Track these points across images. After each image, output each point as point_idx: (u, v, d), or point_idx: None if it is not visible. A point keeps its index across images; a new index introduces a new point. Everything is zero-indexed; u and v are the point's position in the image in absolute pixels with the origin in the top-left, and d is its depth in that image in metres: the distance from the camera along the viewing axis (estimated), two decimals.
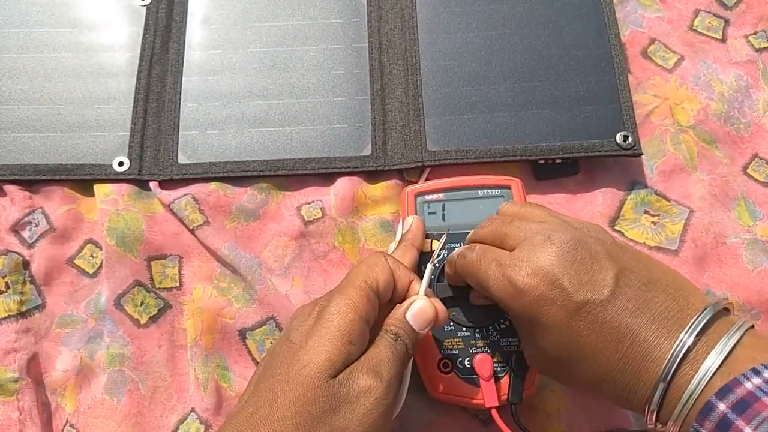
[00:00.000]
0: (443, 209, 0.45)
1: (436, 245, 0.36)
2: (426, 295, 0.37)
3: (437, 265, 0.34)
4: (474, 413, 0.43)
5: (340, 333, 0.32)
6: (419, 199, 0.45)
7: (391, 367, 0.33)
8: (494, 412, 0.39)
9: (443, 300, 0.41)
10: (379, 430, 0.32)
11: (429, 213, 0.45)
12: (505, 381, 0.40)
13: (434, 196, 0.45)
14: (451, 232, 0.40)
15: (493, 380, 0.40)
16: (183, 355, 0.45)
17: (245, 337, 0.45)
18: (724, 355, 0.28)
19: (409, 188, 0.46)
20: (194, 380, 0.44)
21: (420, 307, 0.35)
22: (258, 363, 0.44)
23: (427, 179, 0.50)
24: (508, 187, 0.45)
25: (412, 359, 0.38)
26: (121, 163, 0.50)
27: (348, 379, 0.32)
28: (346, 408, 0.31)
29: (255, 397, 0.32)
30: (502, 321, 0.42)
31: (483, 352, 0.41)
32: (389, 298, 0.37)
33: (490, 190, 0.45)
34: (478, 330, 0.42)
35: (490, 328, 0.42)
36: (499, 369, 0.40)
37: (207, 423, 0.43)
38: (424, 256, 0.43)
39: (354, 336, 0.32)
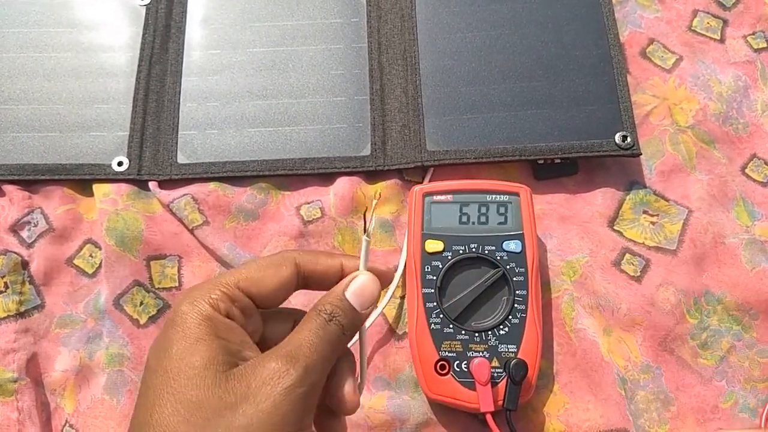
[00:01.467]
0: (450, 211, 0.45)
1: (368, 214, 0.32)
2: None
3: (369, 238, 0.32)
4: (473, 414, 0.43)
5: (200, 328, 0.28)
6: (427, 198, 0.45)
7: (313, 351, 0.28)
8: (489, 417, 0.39)
9: (448, 308, 0.41)
10: (299, 422, 0.27)
11: (436, 213, 0.45)
12: (501, 386, 0.40)
13: (442, 197, 0.45)
14: (376, 201, 0.35)
15: (489, 385, 0.40)
16: None
17: None
18: None
19: (417, 188, 0.46)
20: None
21: (362, 283, 0.32)
22: None
23: (431, 180, 0.50)
24: (517, 194, 0.45)
25: (362, 338, 0.34)
26: (120, 163, 0.50)
27: (249, 369, 0.27)
28: (247, 402, 0.26)
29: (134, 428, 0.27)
30: (501, 326, 0.42)
31: (481, 356, 0.41)
32: (318, 286, 0.33)
33: (498, 196, 0.45)
34: (477, 334, 0.42)
35: (490, 333, 0.42)
36: (495, 374, 0.41)
37: None
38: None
39: (219, 329, 0.28)
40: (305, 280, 0.32)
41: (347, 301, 0.31)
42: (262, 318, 0.32)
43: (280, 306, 0.32)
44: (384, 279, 0.33)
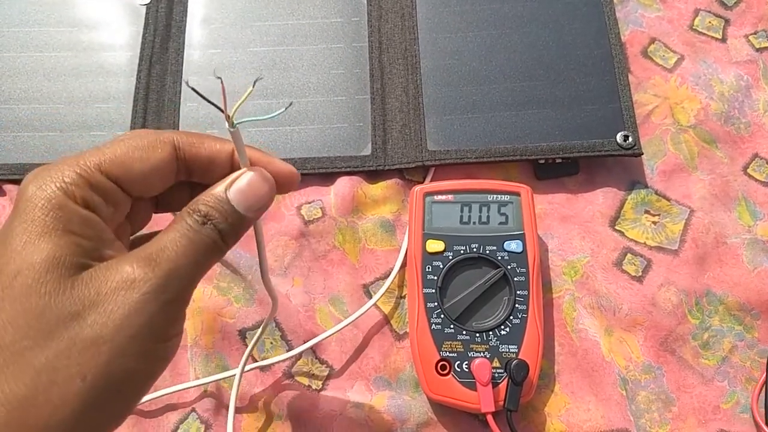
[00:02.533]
0: (451, 211, 0.45)
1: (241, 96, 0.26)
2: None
3: (236, 126, 0.26)
4: (474, 414, 0.43)
5: (46, 219, 0.23)
6: (428, 198, 0.45)
7: (178, 255, 0.24)
8: (490, 418, 0.39)
9: (449, 308, 0.41)
10: (159, 333, 0.23)
11: (437, 213, 0.45)
12: (502, 387, 0.40)
13: (443, 197, 0.45)
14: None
15: (490, 386, 0.40)
16: (183, 355, 0.45)
17: (245, 337, 0.45)
18: None
19: (418, 187, 0.46)
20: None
21: (249, 180, 0.27)
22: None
23: (431, 179, 0.49)
24: (518, 194, 0.45)
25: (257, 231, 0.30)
26: None
27: (100, 272, 0.23)
28: (95, 311, 0.22)
29: None
30: (502, 327, 0.42)
31: (482, 356, 0.41)
32: (201, 179, 0.28)
33: (499, 196, 0.45)
34: (478, 334, 0.42)
35: (490, 333, 0.42)
36: (496, 375, 0.40)
37: (207, 423, 0.43)
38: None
39: (72, 222, 0.23)
40: (188, 168, 0.28)
41: (227, 201, 0.26)
42: (142, 210, 0.28)
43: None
44: (286, 179, 0.28)
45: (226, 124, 0.26)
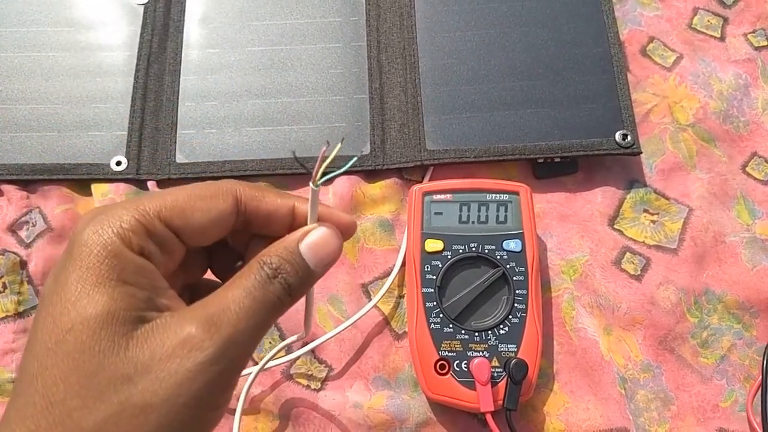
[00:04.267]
0: (450, 210, 0.45)
1: (320, 158, 0.26)
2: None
3: (319, 185, 0.26)
4: (473, 413, 0.43)
5: (102, 268, 0.22)
6: (427, 198, 0.45)
7: (242, 318, 0.23)
8: (489, 417, 0.39)
9: (448, 307, 0.41)
10: (211, 403, 0.22)
11: (435, 213, 0.45)
12: (501, 386, 0.40)
13: (442, 197, 0.45)
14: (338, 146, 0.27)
15: (489, 385, 0.40)
16: None
17: None
18: None
19: (417, 187, 0.46)
20: None
21: (322, 235, 0.26)
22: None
23: (430, 179, 0.49)
24: (517, 193, 0.45)
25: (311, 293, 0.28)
26: (118, 163, 0.50)
27: (155, 332, 0.22)
28: (147, 377, 0.21)
29: (17, 386, 0.22)
30: (501, 326, 0.42)
31: (481, 356, 0.41)
32: (262, 230, 0.27)
33: (498, 195, 0.45)
34: (477, 334, 0.42)
35: (489, 332, 0.42)
36: (495, 374, 0.40)
37: None
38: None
39: (127, 270, 0.22)
40: (247, 220, 0.26)
41: (300, 255, 0.25)
42: (207, 251, 0.27)
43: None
44: (346, 230, 0.27)
45: (311, 183, 0.26)
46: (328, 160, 0.26)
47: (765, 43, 0.54)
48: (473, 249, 0.43)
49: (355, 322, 0.44)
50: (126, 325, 0.22)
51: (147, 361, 0.21)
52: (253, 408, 0.43)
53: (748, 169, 0.50)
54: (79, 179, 0.50)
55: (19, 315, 0.46)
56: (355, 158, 0.28)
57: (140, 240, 0.23)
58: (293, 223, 0.27)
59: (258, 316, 0.23)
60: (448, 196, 0.45)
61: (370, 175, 0.50)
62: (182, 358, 0.21)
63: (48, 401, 0.21)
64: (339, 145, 0.26)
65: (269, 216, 0.26)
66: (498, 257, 0.43)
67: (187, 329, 0.22)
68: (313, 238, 0.26)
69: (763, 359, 0.43)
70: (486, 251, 0.43)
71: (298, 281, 0.25)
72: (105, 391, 0.21)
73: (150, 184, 0.50)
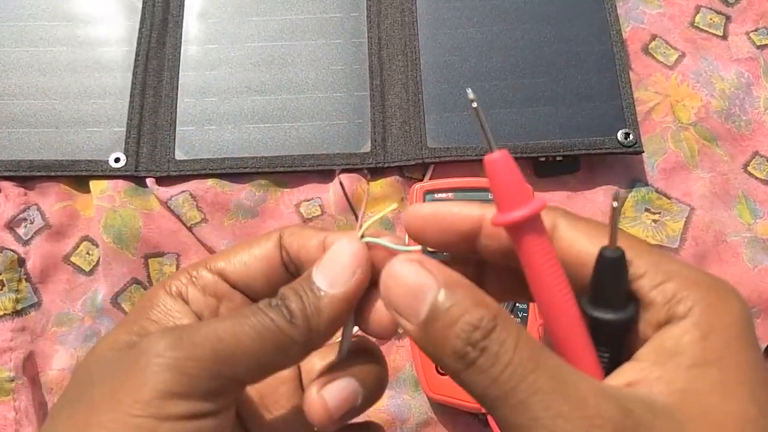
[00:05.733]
0: None
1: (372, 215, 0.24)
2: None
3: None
4: (474, 413, 0.43)
5: (132, 309, 0.23)
6: (428, 196, 0.45)
7: (222, 337, 0.20)
8: (490, 417, 0.39)
9: None
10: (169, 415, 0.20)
11: None
12: None
13: (443, 195, 0.45)
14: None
15: None
16: None
17: None
18: None
19: (418, 185, 0.46)
20: None
21: (336, 250, 0.23)
22: None
23: (431, 177, 0.49)
24: None
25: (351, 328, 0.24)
26: (117, 159, 0.50)
27: (134, 349, 0.21)
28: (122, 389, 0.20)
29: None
30: None
31: None
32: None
33: None
34: None
35: None
36: None
37: None
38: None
39: (156, 309, 0.23)
40: (293, 259, 0.25)
41: (310, 278, 0.22)
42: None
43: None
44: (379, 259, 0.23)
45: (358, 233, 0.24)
46: (377, 217, 0.24)
47: (767, 42, 0.54)
48: None
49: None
50: (122, 347, 0.22)
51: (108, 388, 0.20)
52: None
53: (749, 168, 0.50)
54: (78, 176, 0.50)
55: (17, 313, 0.45)
56: (394, 206, 0.26)
57: (179, 286, 0.24)
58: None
59: (248, 342, 0.21)
60: (450, 195, 0.45)
61: (371, 172, 0.50)
62: (148, 366, 0.20)
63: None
64: (388, 210, 0.25)
65: (299, 251, 0.24)
66: None
67: (157, 343, 0.20)
68: (324, 256, 0.23)
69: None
70: None
71: (301, 306, 0.21)
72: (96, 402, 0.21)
73: (149, 181, 0.49)
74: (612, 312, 0.20)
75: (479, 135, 0.22)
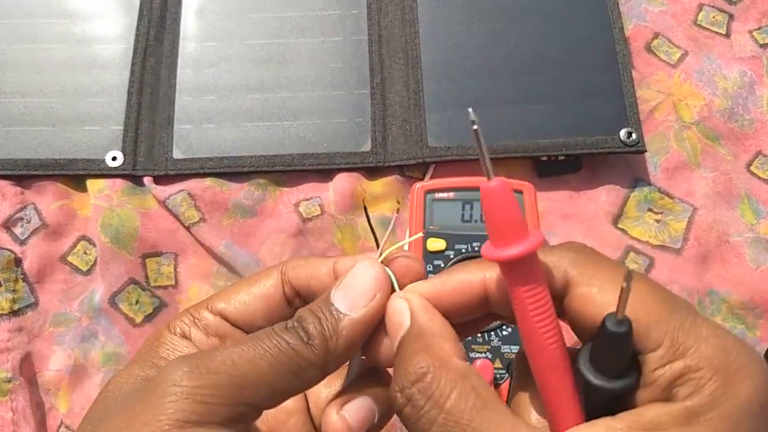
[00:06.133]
0: (452, 208, 0.44)
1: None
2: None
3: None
4: None
5: (143, 348, 0.24)
6: (428, 196, 0.45)
7: (237, 362, 0.20)
8: None
9: None
10: None
11: (437, 211, 0.44)
12: (504, 387, 0.40)
13: (444, 195, 0.45)
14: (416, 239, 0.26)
15: (492, 387, 0.39)
16: None
17: None
18: None
19: (419, 185, 0.45)
20: None
21: (356, 273, 0.22)
22: None
23: (432, 176, 0.49)
24: (520, 192, 0.44)
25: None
26: (114, 158, 0.49)
27: (150, 379, 0.21)
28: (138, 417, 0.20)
29: None
30: (504, 327, 0.41)
31: (484, 357, 0.40)
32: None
33: None
34: (479, 335, 0.41)
35: (492, 333, 0.41)
36: (498, 375, 0.40)
37: None
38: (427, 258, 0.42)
39: (163, 348, 0.24)
40: (295, 291, 0.25)
41: (329, 301, 0.22)
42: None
43: None
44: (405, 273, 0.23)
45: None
46: (394, 247, 0.24)
47: None
48: (476, 248, 0.43)
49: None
50: (137, 380, 0.23)
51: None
52: None
53: (752, 168, 0.50)
54: (75, 175, 0.49)
55: (14, 313, 0.45)
56: (419, 234, 0.26)
57: (182, 326, 0.24)
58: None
59: (264, 367, 0.20)
60: (451, 195, 0.45)
61: (371, 172, 0.49)
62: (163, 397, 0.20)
63: None
64: (414, 237, 0.25)
65: (309, 281, 0.24)
66: None
67: (173, 372, 0.20)
68: (343, 279, 0.22)
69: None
70: None
71: (320, 328, 0.21)
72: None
73: (146, 180, 0.49)
74: (607, 380, 0.19)
75: (479, 157, 0.21)
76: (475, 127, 0.20)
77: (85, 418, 0.23)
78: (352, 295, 0.22)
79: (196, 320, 0.24)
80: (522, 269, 0.19)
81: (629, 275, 0.18)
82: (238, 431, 0.20)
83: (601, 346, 0.19)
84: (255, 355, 0.21)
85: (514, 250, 0.19)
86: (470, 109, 0.21)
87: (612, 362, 0.19)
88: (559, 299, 0.21)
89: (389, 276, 0.23)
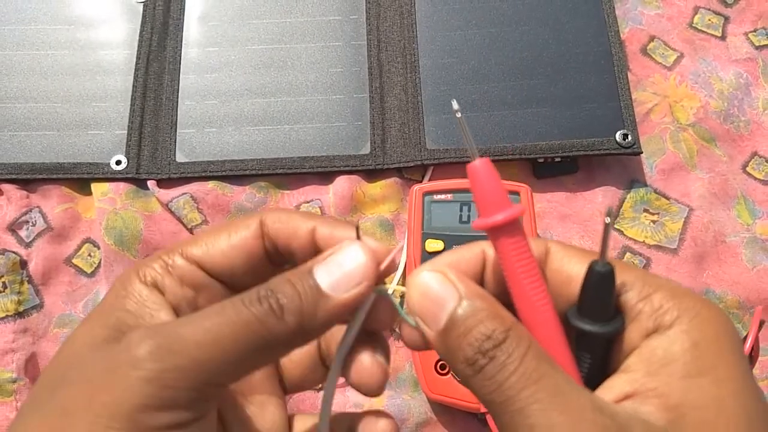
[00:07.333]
0: (451, 210, 0.45)
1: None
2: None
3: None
4: (473, 413, 0.43)
5: (107, 298, 0.22)
6: (427, 198, 0.45)
7: (202, 343, 0.19)
8: (489, 417, 0.39)
9: None
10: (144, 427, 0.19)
11: (436, 213, 0.45)
12: None
13: (442, 197, 0.45)
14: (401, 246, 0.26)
15: None
16: None
17: None
18: None
19: (417, 187, 0.46)
20: None
21: (345, 255, 0.21)
22: None
23: (430, 178, 0.49)
24: (517, 193, 0.45)
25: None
26: (118, 162, 0.50)
27: (114, 344, 0.20)
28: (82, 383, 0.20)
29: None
30: None
31: None
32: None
33: None
34: None
35: None
36: None
37: None
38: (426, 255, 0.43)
39: (131, 299, 0.22)
40: (275, 245, 0.23)
41: (311, 275, 0.21)
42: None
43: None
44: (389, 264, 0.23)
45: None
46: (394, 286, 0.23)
47: (766, 42, 0.54)
48: None
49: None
50: (99, 343, 0.21)
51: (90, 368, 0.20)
52: None
53: (748, 168, 0.50)
54: (79, 178, 0.50)
55: (19, 315, 0.46)
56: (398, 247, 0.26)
57: (154, 275, 0.22)
58: (316, 243, 0.23)
59: (230, 346, 0.20)
60: (449, 196, 0.45)
61: (370, 174, 0.50)
62: (121, 370, 0.19)
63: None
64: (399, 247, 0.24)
65: (290, 240, 0.23)
66: None
67: (136, 349, 0.19)
68: (329, 256, 0.21)
69: None
70: None
71: (296, 304, 0.20)
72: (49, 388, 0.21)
73: (150, 183, 0.50)
74: (599, 325, 0.21)
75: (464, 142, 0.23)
76: (458, 115, 0.22)
77: (42, 375, 0.22)
78: (337, 276, 0.21)
79: (170, 268, 0.23)
80: (508, 231, 0.21)
81: (609, 211, 0.20)
82: (203, 411, 0.20)
83: (589, 292, 0.21)
84: (221, 334, 0.20)
85: (499, 216, 0.21)
86: (453, 100, 0.23)
87: (600, 306, 0.21)
88: (542, 270, 0.22)
89: (379, 269, 0.22)
